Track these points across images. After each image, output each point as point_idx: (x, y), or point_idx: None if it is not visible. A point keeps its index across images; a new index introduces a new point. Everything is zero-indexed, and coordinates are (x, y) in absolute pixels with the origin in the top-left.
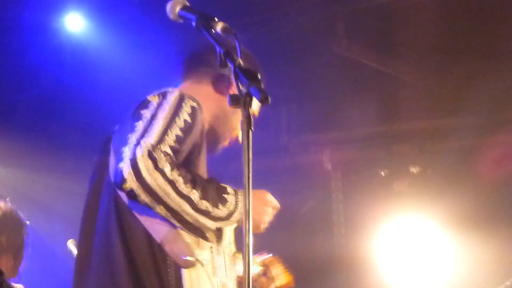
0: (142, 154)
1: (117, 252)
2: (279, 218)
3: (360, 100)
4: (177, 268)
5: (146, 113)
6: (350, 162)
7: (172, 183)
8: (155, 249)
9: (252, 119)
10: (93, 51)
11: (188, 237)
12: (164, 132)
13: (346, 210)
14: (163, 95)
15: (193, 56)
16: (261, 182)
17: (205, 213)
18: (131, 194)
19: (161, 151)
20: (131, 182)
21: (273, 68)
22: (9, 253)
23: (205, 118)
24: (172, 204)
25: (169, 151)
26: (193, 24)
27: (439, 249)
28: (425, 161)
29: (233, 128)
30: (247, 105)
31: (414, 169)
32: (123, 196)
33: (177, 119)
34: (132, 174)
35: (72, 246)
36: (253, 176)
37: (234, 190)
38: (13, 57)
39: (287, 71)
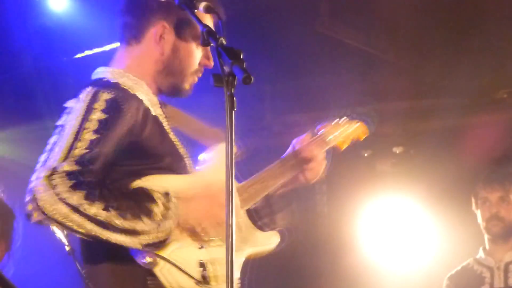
0: (41, 184)
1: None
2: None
3: (344, 80)
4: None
5: (58, 128)
6: None
7: (76, 209)
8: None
9: (235, 99)
10: (76, 31)
11: None
12: (70, 147)
13: (329, 191)
14: (76, 100)
15: (127, 16)
16: (244, 162)
17: (129, 232)
18: (45, 224)
19: (59, 175)
20: (36, 216)
21: (256, 47)
22: (1, 241)
23: (153, 76)
24: (87, 233)
25: (73, 168)
26: (176, 1)
27: (422, 228)
28: (408, 141)
29: (190, 63)
30: (230, 85)
31: (397, 150)
32: None
33: (86, 124)
34: (34, 207)
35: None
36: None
37: (165, 196)
38: None
39: (270, 51)
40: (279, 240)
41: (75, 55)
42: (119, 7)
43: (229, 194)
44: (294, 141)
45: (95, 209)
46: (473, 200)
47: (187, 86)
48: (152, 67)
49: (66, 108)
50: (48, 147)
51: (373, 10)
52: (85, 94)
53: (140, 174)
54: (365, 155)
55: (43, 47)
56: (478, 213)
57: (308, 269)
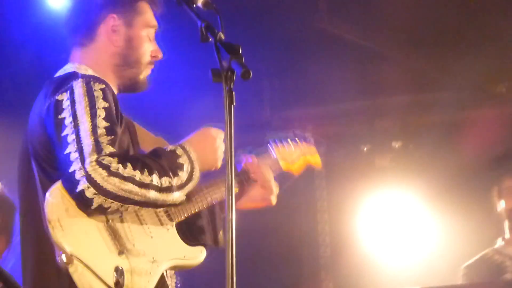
0: (94, 168)
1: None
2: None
3: (342, 75)
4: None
5: (65, 116)
6: (332, 137)
7: (130, 179)
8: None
9: (234, 94)
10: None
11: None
12: (97, 135)
13: (329, 185)
14: (70, 89)
15: (77, 19)
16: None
17: (169, 189)
18: (102, 209)
19: (106, 154)
20: (96, 199)
21: (255, 43)
22: (2, 234)
23: (111, 72)
24: (139, 199)
25: (112, 149)
26: None
27: (421, 223)
28: (407, 135)
29: (144, 51)
30: (228, 80)
31: (396, 144)
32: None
33: (98, 112)
34: (93, 190)
35: None
36: (235, 151)
37: (182, 148)
38: None
39: (269, 46)
40: (205, 255)
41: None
42: (66, 14)
43: (229, 189)
44: (242, 159)
45: (145, 176)
46: (496, 189)
47: (142, 77)
48: (110, 62)
49: (55, 100)
50: (71, 139)
51: (371, 5)
52: (79, 86)
53: None
54: (364, 149)
55: (42, 43)
56: (502, 202)
57: (308, 263)
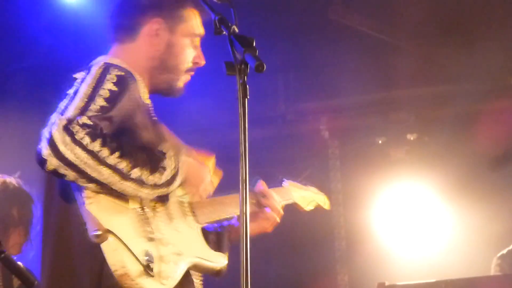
0: (58, 130)
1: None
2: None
3: (357, 67)
4: (97, 245)
5: (70, 91)
6: (347, 130)
7: (93, 154)
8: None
9: (247, 87)
10: (89, 21)
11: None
12: (85, 105)
13: (344, 178)
14: (88, 69)
15: (121, 18)
16: (258, 150)
17: (138, 182)
18: (56, 173)
19: (78, 124)
20: (51, 161)
21: (269, 36)
22: (21, 226)
23: (147, 72)
24: (97, 176)
25: (89, 122)
26: None
27: (436, 215)
28: (422, 128)
29: (184, 59)
30: (242, 73)
31: (411, 137)
32: None
33: (100, 90)
34: (51, 152)
35: None
36: (250, 144)
37: (175, 156)
38: (9, 27)
39: (283, 39)
40: (226, 262)
41: (88, 45)
42: (112, 10)
43: (243, 182)
44: (259, 182)
45: (112, 157)
46: None
47: (181, 83)
48: (148, 63)
49: (71, 77)
50: (61, 106)
51: None
52: (97, 67)
53: None
54: (379, 142)
55: (56, 37)
56: None
57: (324, 256)
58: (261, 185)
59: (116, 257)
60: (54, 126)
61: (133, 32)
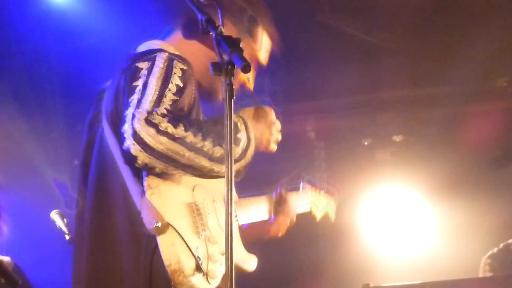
0: (140, 124)
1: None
2: (262, 187)
3: (344, 69)
4: (153, 237)
5: (139, 83)
6: (333, 131)
7: (180, 140)
8: (133, 218)
9: (234, 87)
10: (76, 19)
11: (161, 200)
12: (159, 98)
13: (329, 179)
14: (152, 60)
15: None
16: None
17: (221, 160)
18: (147, 168)
19: (158, 114)
20: (141, 157)
21: None
22: None
23: (197, 72)
24: (187, 162)
25: (164, 111)
26: None
27: (422, 217)
28: (408, 129)
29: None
30: (228, 73)
31: (397, 138)
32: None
33: (170, 85)
34: (139, 147)
35: (55, 216)
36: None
37: (244, 123)
38: None
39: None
40: (255, 265)
41: (75, 43)
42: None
43: (229, 182)
44: (278, 189)
45: (197, 140)
46: None
47: (221, 96)
48: (202, 62)
49: (135, 66)
50: (134, 99)
51: None
52: (162, 59)
53: None
54: (365, 143)
55: (43, 34)
56: None
57: (308, 256)
58: (277, 193)
59: (172, 251)
60: (135, 120)
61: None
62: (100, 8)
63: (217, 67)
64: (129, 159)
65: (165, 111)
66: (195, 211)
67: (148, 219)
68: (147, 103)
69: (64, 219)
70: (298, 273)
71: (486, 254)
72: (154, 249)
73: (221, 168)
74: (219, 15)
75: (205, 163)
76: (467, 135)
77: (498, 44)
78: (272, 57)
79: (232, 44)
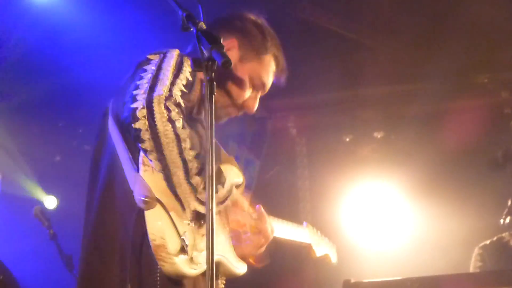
0: (159, 101)
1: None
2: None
3: (325, 65)
4: (141, 212)
5: (151, 66)
6: (314, 127)
7: (178, 139)
8: (130, 197)
9: (214, 83)
10: (60, 14)
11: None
12: (173, 83)
13: (311, 175)
14: (164, 54)
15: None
16: (225, 147)
17: (194, 189)
18: (136, 134)
19: (173, 102)
20: (140, 123)
21: None
22: None
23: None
24: (169, 161)
25: (182, 104)
26: None
27: (402, 213)
28: (388, 126)
29: (240, 90)
30: (209, 69)
31: (377, 134)
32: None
33: (181, 75)
34: (146, 116)
35: (38, 213)
36: (219, 141)
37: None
38: None
39: None
40: (245, 271)
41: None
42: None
43: (210, 178)
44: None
45: (189, 153)
46: None
47: (224, 116)
48: None
49: (145, 58)
50: (147, 76)
51: None
52: (173, 54)
53: None
54: (347, 140)
55: (27, 29)
56: None
57: (290, 252)
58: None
59: (158, 227)
60: (155, 94)
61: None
62: (84, 2)
63: (198, 63)
64: (128, 116)
65: (181, 102)
66: None
67: (139, 192)
68: (164, 84)
69: (47, 215)
70: (280, 269)
71: (479, 245)
72: (145, 233)
73: (188, 196)
74: (200, 11)
75: (179, 175)
76: (448, 132)
77: (479, 40)
78: None
79: (213, 40)
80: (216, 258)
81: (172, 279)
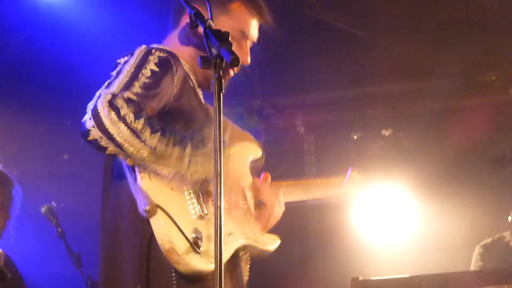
0: (103, 104)
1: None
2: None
3: (333, 63)
4: (148, 222)
5: (114, 72)
6: (322, 125)
7: (135, 132)
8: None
9: (223, 81)
10: (68, 12)
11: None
12: (129, 82)
13: (319, 173)
14: (132, 53)
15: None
16: None
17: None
18: (97, 145)
19: (123, 99)
20: (94, 133)
21: None
22: (2, 210)
23: (188, 61)
24: (135, 154)
25: (134, 98)
26: None
27: (411, 211)
28: (397, 124)
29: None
30: (217, 67)
31: (386, 132)
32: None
33: (143, 70)
34: (94, 124)
35: (46, 211)
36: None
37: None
38: None
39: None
40: (277, 244)
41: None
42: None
43: (218, 176)
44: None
45: (152, 138)
46: None
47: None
48: (188, 52)
49: (117, 64)
50: (105, 83)
51: None
52: (139, 51)
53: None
54: (355, 137)
55: (34, 28)
56: None
57: (298, 250)
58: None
59: (163, 231)
60: (100, 99)
61: (176, 19)
62: (92, 0)
63: (206, 61)
64: (83, 133)
65: (132, 96)
66: (193, 193)
67: (140, 203)
68: (115, 86)
69: (55, 214)
70: (288, 267)
71: (480, 244)
72: (152, 235)
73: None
74: (208, 9)
75: (152, 162)
76: (456, 129)
77: (488, 39)
78: (262, 52)
79: (221, 37)
80: (241, 242)
81: (191, 277)
